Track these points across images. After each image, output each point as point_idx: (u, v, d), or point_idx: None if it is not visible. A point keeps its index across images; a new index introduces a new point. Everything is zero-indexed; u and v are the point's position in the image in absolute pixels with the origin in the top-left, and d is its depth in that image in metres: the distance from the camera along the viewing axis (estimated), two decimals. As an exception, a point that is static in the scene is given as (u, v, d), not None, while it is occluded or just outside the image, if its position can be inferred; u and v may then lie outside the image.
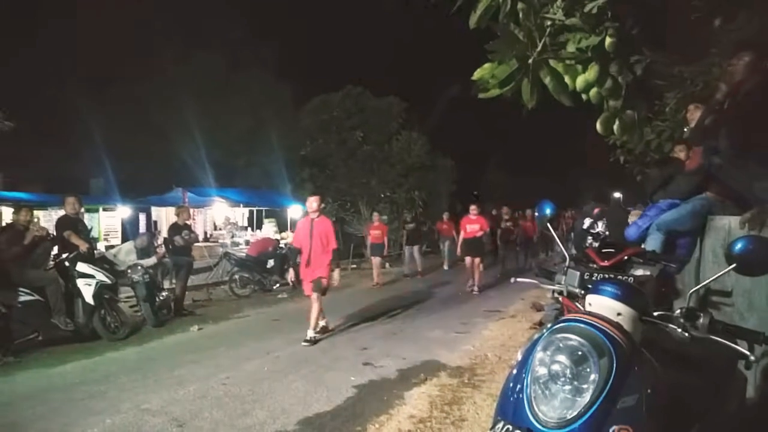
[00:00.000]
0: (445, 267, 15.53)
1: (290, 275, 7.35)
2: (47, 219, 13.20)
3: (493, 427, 1.61)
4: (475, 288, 10.76)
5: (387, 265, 17.01)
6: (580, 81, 2.60)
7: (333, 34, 31.34)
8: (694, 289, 1.97)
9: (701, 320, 1.67)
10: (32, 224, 6.89)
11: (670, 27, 2.63)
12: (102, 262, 7.48)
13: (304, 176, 20.49)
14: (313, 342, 6.51)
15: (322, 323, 6.95)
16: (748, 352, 1.69)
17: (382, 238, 13.00)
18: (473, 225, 10.95)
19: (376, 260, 12.75)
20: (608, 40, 2.42)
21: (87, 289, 6.58)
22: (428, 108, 22.84)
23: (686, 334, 1.66)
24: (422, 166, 21.11)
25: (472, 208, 11.27)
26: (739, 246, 1.72)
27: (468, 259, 10.93)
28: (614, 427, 1.44)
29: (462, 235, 11.13)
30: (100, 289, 6.72)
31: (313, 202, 7.00)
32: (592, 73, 2.54)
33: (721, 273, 1.82)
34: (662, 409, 1.51)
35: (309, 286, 6.85)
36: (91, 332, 6.66)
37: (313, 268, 6.78)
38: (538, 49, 2.42)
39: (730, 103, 3.22)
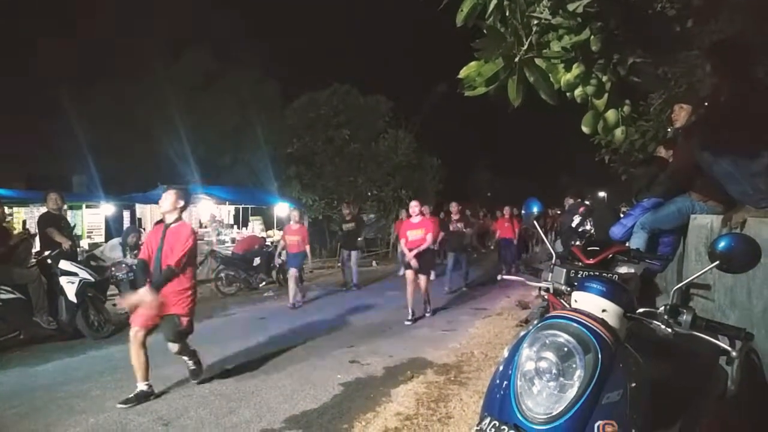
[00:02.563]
0: (401, 273, 12.92)
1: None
2: (29, 216, 13.02)
3: (479, 423, 1.62)
4: (426, 310, 8.12)
5: (375, 263, 17.05)
6: (565, 80, 2.62)
7: (320, 32, 31.23)
8: (678, 286, 2.01)
9: (684, 317, 1.70)
10: (13, 223, 6.81)
11: (652, 27, 2.67)
12: (89, 260, 7.39)
13: (291, 174, 20.43)
14: (144, 398, 4.44)
15: (192, 363, 4.86)
16: (729, 348, 1.72)
17: (302, 246, 9.38)
18: (416, 231, 7.92)
19: (293, 272, 9.19)
20: (593, 39, 2.45)
21: (70, 287, 6.50)
22: (415, 107, 22.86)
23: (669, 331, 1.69)
24: (409, 165, 21.16)
25: (413, 204, 8.13)
26: (722, 244, 1.76)
27: (409, 274, 7.89)
28: (599, 422, 1.46)
29: (403, 243, 8.16)
30: (83, 287, 6.63)
31: (165, 198, 4.66)
32: (576, 72, 2.57)
33: (705, 270, 1.85)
34: (646, 404, 1.53)
35: (147, 319, 4.47)
36: (75, 331, 6.58)
37: (164, 295, 4.46)
38: (525, 47, 2.43)
39: (709, 104, 3.29)
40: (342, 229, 11.85)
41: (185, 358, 4.85)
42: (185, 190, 4.85)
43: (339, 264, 11.88)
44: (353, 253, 11.41)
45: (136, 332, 4.46)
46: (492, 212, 15.05)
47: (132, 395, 4.40)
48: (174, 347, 4.67)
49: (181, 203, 4.69)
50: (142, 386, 4.47)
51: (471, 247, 11.99)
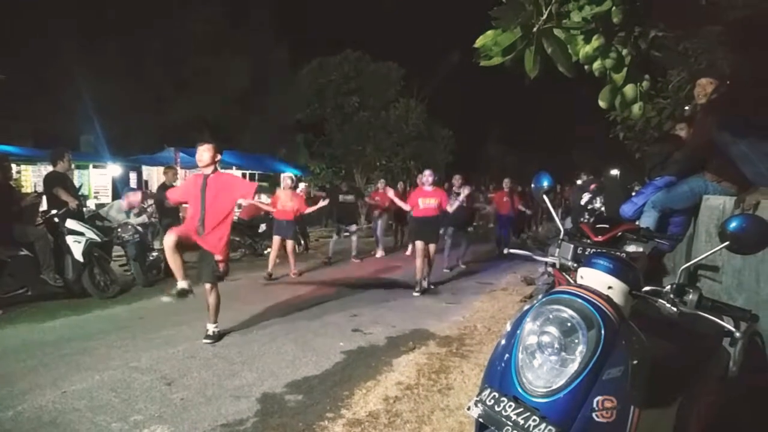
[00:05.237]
0: (378, 254, 11.92)
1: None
2: (37, 174, 13.10)
3: (479, 394, 1.64)
4: (426, 283, 7.88)
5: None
6: (584, 52, 2.55)
7: (333, -3, 30.63)
8: (685, 265, 2.00)
9: (690, 296, 1.69)
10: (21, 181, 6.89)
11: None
12: (94, 219, 7.44)
13: (299, 141, 20.35)
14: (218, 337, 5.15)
15: (212, 327, 5.18)
16: (733, 329, 1.71)
17: (293, 214, 8.94)
18: (428, 200, 7.75)
19: (278, 240, 8.91)
20: (614, 11, 2.37)
21: (76, 247, 6.56)
22: (428, 76, 22.53)
23: (675, 309, 1.69)
24: (419, 136, 20.98)
25: (427, 173, 7.97)
26: (733, 224, 1.74)
27: (419, 245, 7.70)
28: (598, 398, 1.48)
29: (412, 212, 7.93)
30: (90, 247, 6.70)
31: (204, 152, 5.06)
32: (596, 44, 2.50)
33: (714, 250, 1.84)
34: (647, 381, 1.54)
35: (182, 232, 4.93)
36: (81, 289, 6.67)
37: (207, 237, 4.97)
38: (544, 17, 2.36)
39: (730, 82, 3.21)
40: (339, 200, 11.18)
41: (210, 318, 5.15)
42: (218, 144, 5.23)
43: (344, 235, 11.23)
44: (352, 226, 11.12)
45: (168, 238, 4.81)
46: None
47: (174, 291, 4.86)
48: (208, 287, 5.07)
49: (219, 156, 5.17)
50: (182, 284, 4.85)
51: (473, 225, 11.36)
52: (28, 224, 6.63)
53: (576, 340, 1.54)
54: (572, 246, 2.32)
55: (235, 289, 7.91)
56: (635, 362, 1.53)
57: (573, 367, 1.51)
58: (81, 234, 6.67)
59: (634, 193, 4.49)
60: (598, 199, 5.63)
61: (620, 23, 2.44)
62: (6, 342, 4.98)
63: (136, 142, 17.80)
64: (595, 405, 1.47)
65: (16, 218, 6.45)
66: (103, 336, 5.18)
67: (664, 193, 3.67)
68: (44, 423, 3.33)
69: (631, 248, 2.93)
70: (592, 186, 5.92)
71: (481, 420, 1.60)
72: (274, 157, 19.97)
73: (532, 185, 2.66)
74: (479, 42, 2.51)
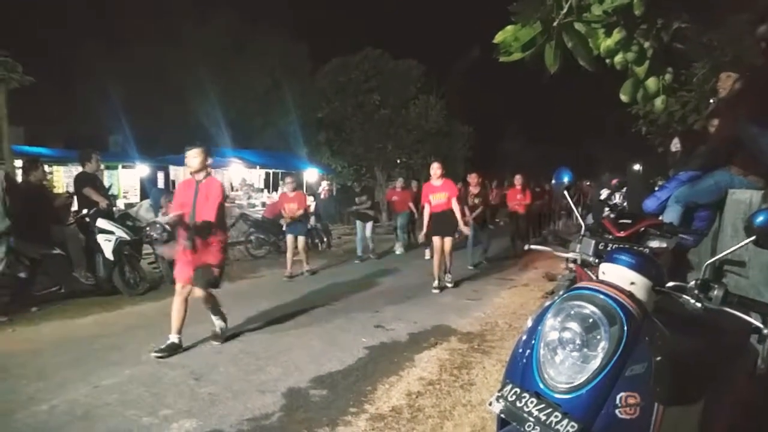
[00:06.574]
0: (397, 251, 11.93)
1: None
2: (68, 175, 13.43)
3: (501, 390, 1.63)
4: (448, 279, 7.87)
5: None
6: (605, 46, 2.53)
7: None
8: (710, 260, 1.97)
9: (715, 292, 1.65)
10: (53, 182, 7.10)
11: None
12: (124, 218, 7.61)
13: (321, 140, 20.43)
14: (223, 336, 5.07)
15: (219, 324, 5.09)
16: (761, 326, 1.68)
17: (299, 212, 8.92)
18: (438, 195, 7.66)
19: (291, 239, 8.92)
20: (636, 3, 2.34)
21: (107, 245, 6.72)
22: (447, 72, 22.44)
23: (699, 305, 1.65)
24: (439, 132, 20.91)
25: (435, 166, 7.79)
26: (760, 218, 1.70)
27: (436, 241, 7.69)
28: (621, 394, 1.46)
29: (428, 209, 7.73)
30: (120, 246, 6.86)
31: (193, 157, 4.80)
32: (617, 37, 2.47)
33: (740, 245, 1.80)
34: (671, 378, 1.52)
35: (190, 275, 4.74)
36: (111, 287, 6.84)
37: (199, 247, 4.74)
38: (564, 11, 2.35)
39: (756, 73, 3.13)
40: (356, 204, 11.54)
41: (214, 318, 5.09)
42: (209, 146, 5.00)
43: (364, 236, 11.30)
44: (368, 225, 11.20)
45: (183, 287, 4.76)
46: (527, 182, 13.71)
47: (164, 346, 4.65)
48: (200, 293, 4.84)
49: (210, 160, 4.92)
50: (174, 338, 4.73)
51: (492, 223, 10.97)
52: (60, 224, 6.83)
53: (598, 336, 1.52)
54: (594, 241, 2.30)
55: (260, 285, 8.05)
56: (659, 359, 1.51)
57: (595, 363, 1.49)
58: (111, 233, 6.83)
59: (657, 188, 4.42)
60: (617, 194, 5.55)
61: (642, 15, 2.41)
62: (40, 338, 5.15)
63: (162, 142, 18.11)
64: (618, 401, 1.45)
65: (52, 219, 6.66)
66: (133, 332, 5.31)
67: (688, 188, 3.60)
68: (77, 416, 3.44)
69: (655, 243, 2.89)
70: (614, 181, 5.84)
71: (502, 416, 1.59)
72: (296, 155, 20.11)
73: (553, 181, 2.65)
74: (499, 37, 2.50)
